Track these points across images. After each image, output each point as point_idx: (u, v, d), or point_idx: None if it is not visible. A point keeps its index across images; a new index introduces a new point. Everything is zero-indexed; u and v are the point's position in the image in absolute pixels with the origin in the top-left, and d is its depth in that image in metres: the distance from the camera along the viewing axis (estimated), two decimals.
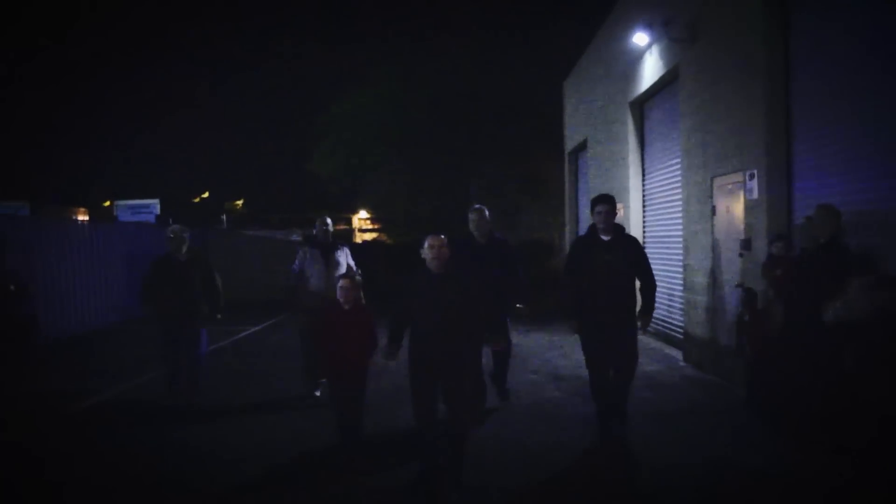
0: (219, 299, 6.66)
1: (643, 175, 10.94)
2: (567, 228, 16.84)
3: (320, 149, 24.17)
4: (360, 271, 6.87)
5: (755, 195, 6.62)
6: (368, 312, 5.08)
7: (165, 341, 6.43)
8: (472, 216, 6.21)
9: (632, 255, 5.31)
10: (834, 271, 4.73)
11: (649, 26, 9.14)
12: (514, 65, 23.48)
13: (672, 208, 9.39)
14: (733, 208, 7.15)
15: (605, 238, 5.27)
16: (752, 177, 6.68)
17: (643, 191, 10.93)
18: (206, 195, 70.10)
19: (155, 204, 29.43)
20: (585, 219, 14.55)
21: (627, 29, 10.13)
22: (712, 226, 7.63)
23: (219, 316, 6.66)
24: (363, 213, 48.74)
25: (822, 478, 4.37)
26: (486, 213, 6.21)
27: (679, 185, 8.85)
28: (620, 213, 10.78)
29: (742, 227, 6.90)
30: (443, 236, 4.39)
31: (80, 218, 37.81)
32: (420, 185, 25.06)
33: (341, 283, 5.02)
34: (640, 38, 9.44)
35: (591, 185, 13.55)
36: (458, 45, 24.28)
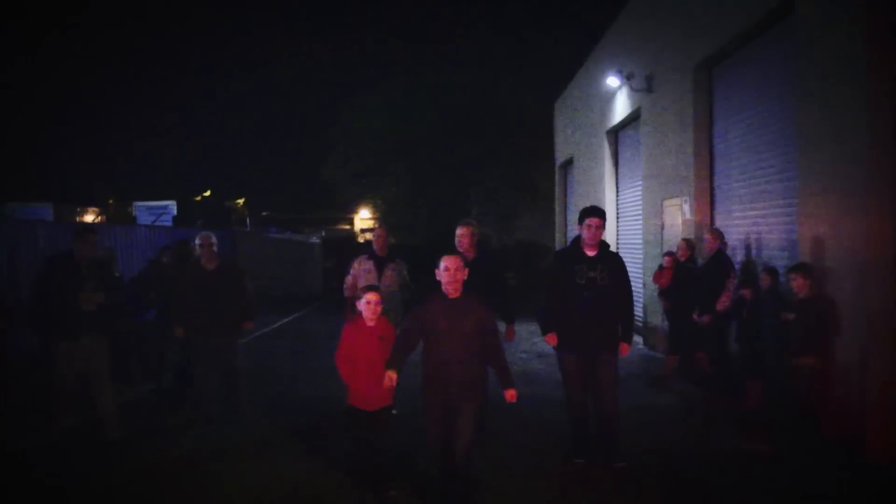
0: (250, 308, 6.53)
1: (617, 191, 13.26)
2: (557, 234, 19.13)
3: (332, 157, 26.58)
4: (412, 285, 6.75)
5: (688, 216, 8.93)
6: (393, 328, 4.72)
7: (194, 357, 6.32)
8: (459, 231, 5.73)
9: (615, 274, 5.08)
10: (718, 275, 7.06)
11: (619, 72, 11.45)
12: (512, 79, 25.79)
13: (637, 220, 11.68)
14: (676, 225, 9.45)
15: (589, 254, 5.05)
16: (686, 202, 8.99)
17: (617, 204, 13.24)
18: (207, 193, 72.13)
19: (172, 205, 31.24)
20: (573, 227, 16.88)
21: (603, 71, 12.44)
22: (662, 238, 9.94)
23: (250, 325, 6.65)
24: (364, 213, 50.67)
25: (712, 407, 6.74)
26: (475, 227, 5.83)
27: (641, 202, 11.16)
28: None
29: (680, 239, 9.21)
30: (459, 258, 4.27)
31: (90, 218, 39.63)
32: (423, 190, 27.27)
33: (367, 296, 4.57)
34: (612, 80, 11.74)
35: (577, 197, 15.88)
36: (460, 59, 26.59)
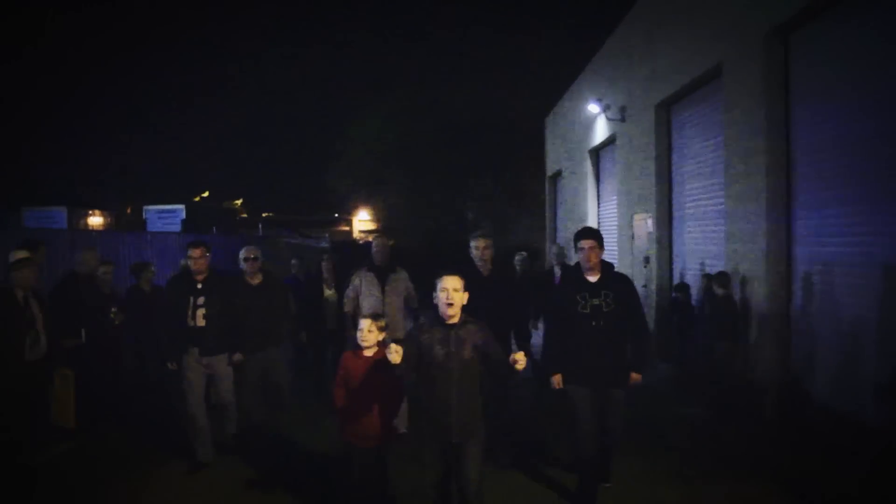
0: (289, 324, 6.54)
1: (598, 204, 15.12)
2: (547, 241, 20.99)
3: (336, 166, 28.58)
4: (416, 298, 6.59)
5: (651, 230, 10.78)
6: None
7: (238, 374, 6.06)
8: (475, 243, 5.66)
9: (622, 298, 4.74)
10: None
11: (599, 101, 13.30)
12: (508, 92, 27.74)
13: (614, 231, 13.52)
14: (642, 237, 11.30)
15: (591, 279, 4.76)
16: (650, 218, 10.84)
17: (598, 216, 15.10)
18: (206, 194, 73.44)
19: (181, 210, 32.79)
20: (563, 235, 18.75)
21: (585, 97, 14.30)
22: (632, 247, 11.79)
23: (288, 340, 6.69)
24: (363, 215, 52.49)
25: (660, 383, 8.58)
26: (490, 242, 5.72)
27: (616, 215, 13.02)
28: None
29: (645, 249, 11.07)
30: (458, 278, 3.82)
31: (98, 221, 41.14)
32: (421, 196, 29.15)
33: (361, 323, 4.34)
34: (592, 107, 13.60)
35: (565, 208, 17.75)
36: (458, 72, 28.58)
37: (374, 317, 4.46)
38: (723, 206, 8.45)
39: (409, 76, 30.39)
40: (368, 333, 4.32)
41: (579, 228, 5.06)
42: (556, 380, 4.84)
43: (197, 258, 5.72)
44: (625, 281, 4.94)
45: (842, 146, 6.34)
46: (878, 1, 5.78)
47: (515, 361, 3.71)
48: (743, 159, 7.59)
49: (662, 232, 10.55)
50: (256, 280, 6.21)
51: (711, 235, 9.01)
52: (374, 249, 6.51)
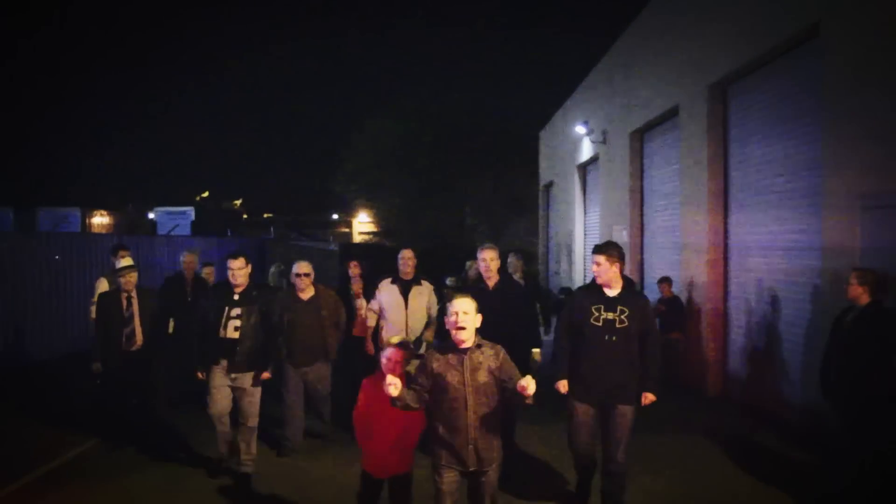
0: (335, 341, 6.30)
1: (585, 214, 16.99)
2: (540, 246, 22.87)
3: (339, 168, 30.51)
4: (437, 312, 6.46)
5: (626, 239, 12.63)
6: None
7: (285, 387, 6.12)
8: (482, 255, 5.73)
9: (637, 314, 4.70)
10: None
11: (586, 123, 15.16)
12: (505, 105, 29.62)
13: (597, 240, 15.35)
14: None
15: (609, 293, 4.71)
16: (626, 229, 12.70)
17: (585, 225, 16.97)
18: (205, 194, 74.83)
19: (190, 211, 34.23)
20: (554, 241, 20.60)
21: (574, 118, 16.20)
22: None
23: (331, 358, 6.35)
24: (363, 217, 54.12)
25: None
26: (497, 253, 5.81)
27: (599, 225, 14.89)
28: (573, 239, 16.87)
29: None
30: (468, 300, 3.72)
31: (104, 221, 42.64)
32: (423, 201, 31.00)
33: (388, 352, 4.12)
34: (579, 129, 15.47)
35: (556, 216, 19.64)
36: (460, 84, 30.44)
37: (404, 346, 4.20)
38: (679, 221, 10.33)
39: (412, 82, 32.33)
40: (396, 365, 4.07)
41: (596, 245, 5.00)
42: (562, 385, 4.83)
43: (237, 270, 5.56)
44: (642, 299, 4.97)
45: (763, 178, 8.17)
46: (790, 66, 7.61)
47: (524, 388, 3.47)
48: (692, 184, 9.45)
49: (635, 242, 12.40)
50: (308, 294, 6.14)
51: (672, 246, 10.87)
52: (400, 261, 6.51)
